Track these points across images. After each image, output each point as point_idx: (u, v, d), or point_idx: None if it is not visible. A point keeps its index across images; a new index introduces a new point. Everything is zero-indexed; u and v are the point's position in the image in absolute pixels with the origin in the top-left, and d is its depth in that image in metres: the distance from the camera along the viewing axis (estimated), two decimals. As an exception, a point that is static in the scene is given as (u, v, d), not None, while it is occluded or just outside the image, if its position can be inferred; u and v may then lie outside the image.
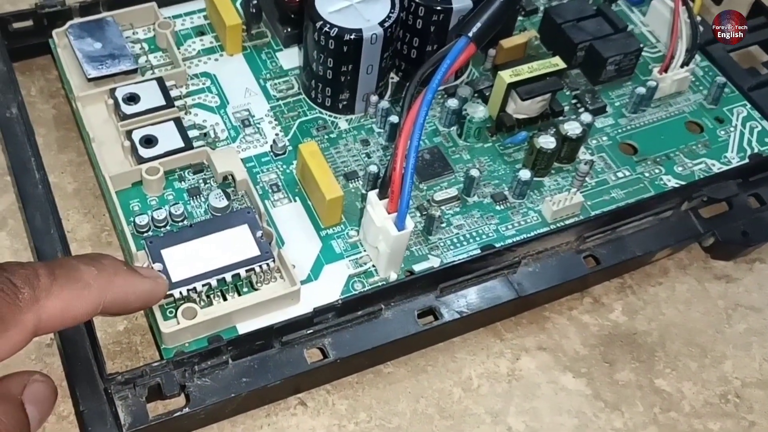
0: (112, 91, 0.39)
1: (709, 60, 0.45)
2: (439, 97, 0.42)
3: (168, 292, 0.32)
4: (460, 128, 0.41)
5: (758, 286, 0.39)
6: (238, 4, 0.44)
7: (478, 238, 0.37)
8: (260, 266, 0.33)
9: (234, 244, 0.34)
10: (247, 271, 0.33)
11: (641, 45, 0.43)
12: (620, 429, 0.34)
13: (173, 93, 0.40)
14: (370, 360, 0.35)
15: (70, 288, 0.26)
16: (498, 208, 0.38)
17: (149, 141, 0.38)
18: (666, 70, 0.43)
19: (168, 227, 0.36)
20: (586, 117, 0.40)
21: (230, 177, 0.37)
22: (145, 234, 0.35)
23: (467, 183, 0.38)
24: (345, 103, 0.41)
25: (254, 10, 0.43)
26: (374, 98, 0.40)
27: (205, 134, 0.40)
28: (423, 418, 0.34)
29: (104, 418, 0.30)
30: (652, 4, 0.46)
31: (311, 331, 0.33)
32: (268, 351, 0.33)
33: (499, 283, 0.36)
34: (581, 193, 0.38)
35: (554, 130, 0.39)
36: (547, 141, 0.38)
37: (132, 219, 0.36)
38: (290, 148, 0.40)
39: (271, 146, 0.40)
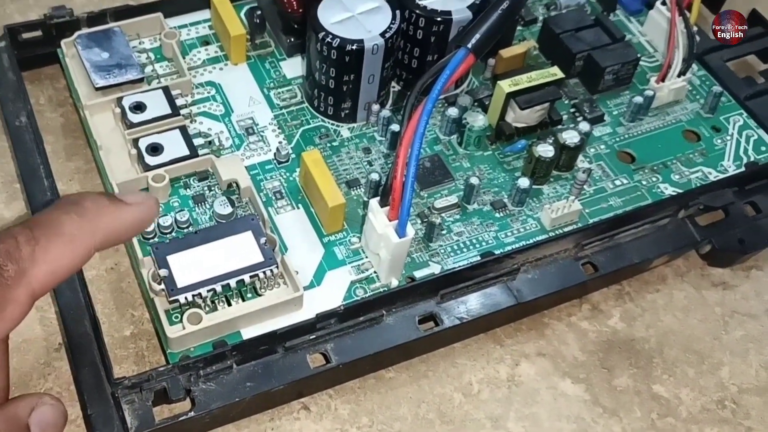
0: (119, 99, 0.40)
1: (705, 69, 0.45)
2: (440, 105, 0.42)
3: (173, 298, 0.33)
4: (461, 137, 0.41)
5: (755, 293, 0.40)
6: (242, 15, 0.45)
7: (478, 245, 0.38)
8: (264, 272, 0.34)
9: (238, 251, 0.34)
10: (251, 277, 0.34)
11: (639, 55, 0.44)
12: (618, 433, 0.35)
13: (179, 102, 0.40)
14: (372, 365, 0.35)
15: (54, 246, 0.24)
16: (497, 215, 0.39)
17: (155, 149, 0.38)
18: (663, 80, 0.43)
19: (173, 234, 0.36)
20: (584, 126, 0.40)
21: (234, 184, 0.38)
22: (151, 240, 0.36)
23: (467, 191, 0.39)
24: (347, 111, 0.41)
25: (258, 21, 0.44)
26: (376, 107, 0.41)
27: (210, 142, 0.40)
28: (424, 422, 0.34)
29: (111, 421, 0.31)
30: (649, 15, 0.47)
31: (314, 336, 0.34)
32: (272, 356, 0.33)
33: (498, 290, 0.36)
34: (579, 200, 0.39)
35: (553, 138, 0.40)
36: (545, 149, 0.39)
37: (138, 226, 0.36)
38: (293, 156, 0.40)
39: (275, 154, 0.40)
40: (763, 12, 0.46)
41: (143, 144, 0.38)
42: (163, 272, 0.33)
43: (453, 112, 0.41)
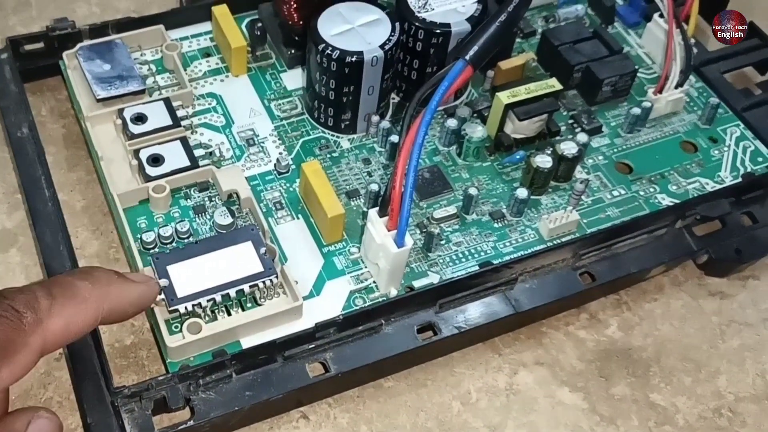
0: (121, 111, 0.40)
1: (703, 81, 0.46)
2: (439, 117, 0.42)
3: (173, 308, 0.33)
4: (459, 148, 0.41)
5: (752, 302, 0.40)
6: (243, 27, 0.45)
7: (476, 255, 0.38)
8: (264, 282, 0.34)
9: (238, 261, 0.34)
10: (250, 286, 0.34)
11: (636, 66, 0.44)
12: (616, 442, 0.35)
13: (180, 113, 0.40)
14: (371, 374, 0.35)
15: (69, 305, 0.27)
16: (496, 225, 0.39)
17: (156, 160, 0.38)
18: (661, 91, 0.43)
19: (174, 244, 0.37)
20: (582, 137, 0.40)
21: (235, 195, 0.38)
22: (152, 250, 0.36)
23: (466, 201, 0.39)
24: (347, 123, 0.41)
25: (259, 33, 0.44)
26: (375, 118, 0.41)
27: (210, 153, 0.40)
28: (423, 431, 0.35)
29: (111, 430, 0.31)
30: (647, 27, 0.47)
31: (313, 345, 0.34)
32: (271, 365, 0.33)
33: (497, 299, 0.36)
34: (577, 211, 0.39)
35: (551, 149, 0.40)
36: (544, 160, 0.39)
37: (139, 236, 0.36)
38: (293, 166, 0.40)
39: (275, 165, 0.40)
40: (759, 24, 0.47)
41: (144, 155, 0.38)
42: (163, 282, 0.33)
43: (452, 123, 0.41)
